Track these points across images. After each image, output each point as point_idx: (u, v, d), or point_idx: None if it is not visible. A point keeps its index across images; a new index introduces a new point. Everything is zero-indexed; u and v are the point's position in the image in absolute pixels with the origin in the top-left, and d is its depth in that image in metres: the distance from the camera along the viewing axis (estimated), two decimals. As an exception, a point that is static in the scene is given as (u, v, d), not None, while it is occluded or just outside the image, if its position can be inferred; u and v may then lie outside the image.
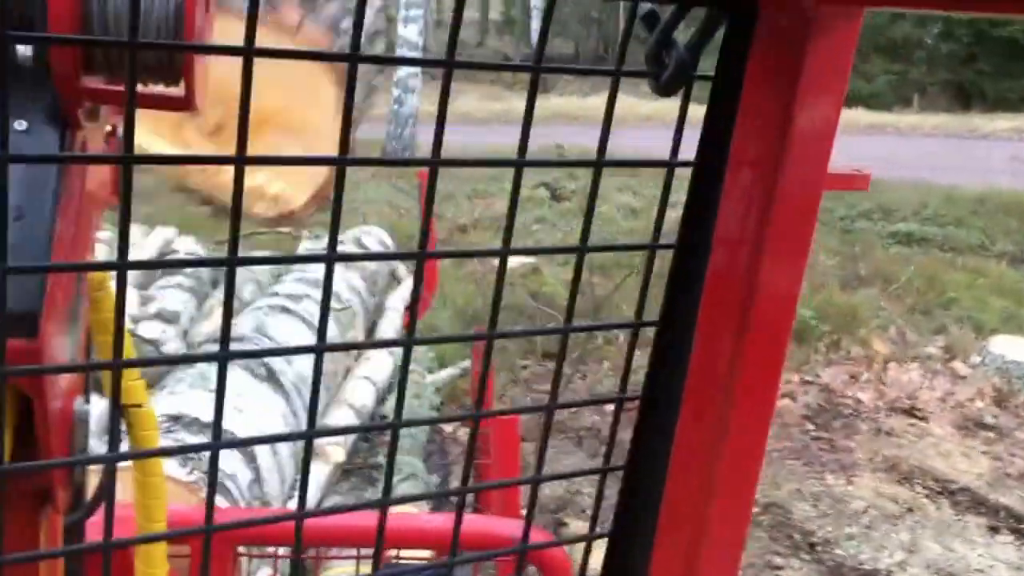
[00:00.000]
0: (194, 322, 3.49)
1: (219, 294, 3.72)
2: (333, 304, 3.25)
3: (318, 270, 3.48)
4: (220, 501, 1.78)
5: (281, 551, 1.70)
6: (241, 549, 1.68)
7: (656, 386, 0.76)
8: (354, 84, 0.58)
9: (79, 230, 0.89)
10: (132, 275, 3.84)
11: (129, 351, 1.12)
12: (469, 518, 1.67)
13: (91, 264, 0.64)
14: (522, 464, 2.34)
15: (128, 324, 2.53)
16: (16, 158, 0.56)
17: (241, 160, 0.51)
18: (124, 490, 1.02)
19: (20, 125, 0.82)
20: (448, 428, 3.46)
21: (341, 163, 0.54)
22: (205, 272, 3.95)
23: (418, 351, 3.62)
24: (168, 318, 3.37)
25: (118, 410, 0.55)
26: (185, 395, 2.22)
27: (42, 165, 0.83)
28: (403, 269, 4.58)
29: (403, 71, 11.69)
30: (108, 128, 0.95)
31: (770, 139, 0.65)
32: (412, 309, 0.66)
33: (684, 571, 0.75)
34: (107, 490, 0.55)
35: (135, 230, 4.75)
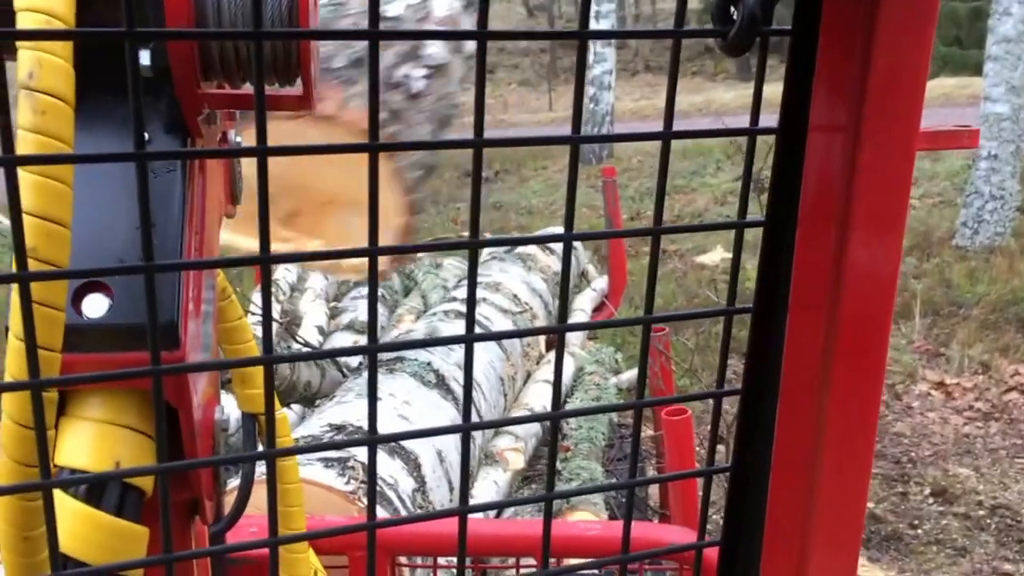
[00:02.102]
0: (384, 331, 3.56)
1: (409, 302, 3.79)
2: (511, 306, 3.26)
3: (497, 273, 3.50)
4: (380, 512, 1.79)
5: (442, 561, 1.68)
6: (403, 560, 1.67)
7: (754, 378, 0.70)
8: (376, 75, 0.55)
9: (204, 239, 0.91)
10: (322, 286, 3.98)
11: (253, 354, 1.14)
12: (622, 524, 1.62)
13: (235, 260, 0.64)
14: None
15: (314, 337, 2.59)
16: (154, 155, 0.56)
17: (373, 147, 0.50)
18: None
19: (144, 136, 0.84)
20: (629, 429, 3.41)
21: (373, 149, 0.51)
22: (396, 281, 4.04)
23: (603, 352, 3.57)
24: (360, 329, 3.45)
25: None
26: (352, 404, 2.23)
27: (168, 175, 0.85)
28: (593, 270, 4.54)
29: (598, 68, 11.66)
30: (218, 136, 0.97)
31: (849, 99, 0.58)
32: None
33: (796, 576, 0.69)
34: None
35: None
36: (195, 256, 0.87)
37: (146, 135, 0.85)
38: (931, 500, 4.48)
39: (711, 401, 0.71)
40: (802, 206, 0.63)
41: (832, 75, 0.59)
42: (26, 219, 0.44)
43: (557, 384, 0.65)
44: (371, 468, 0.58)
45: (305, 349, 3.08)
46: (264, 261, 0.54)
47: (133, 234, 0.80)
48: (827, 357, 0.63)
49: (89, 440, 0.77)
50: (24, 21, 0.66)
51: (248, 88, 0.90)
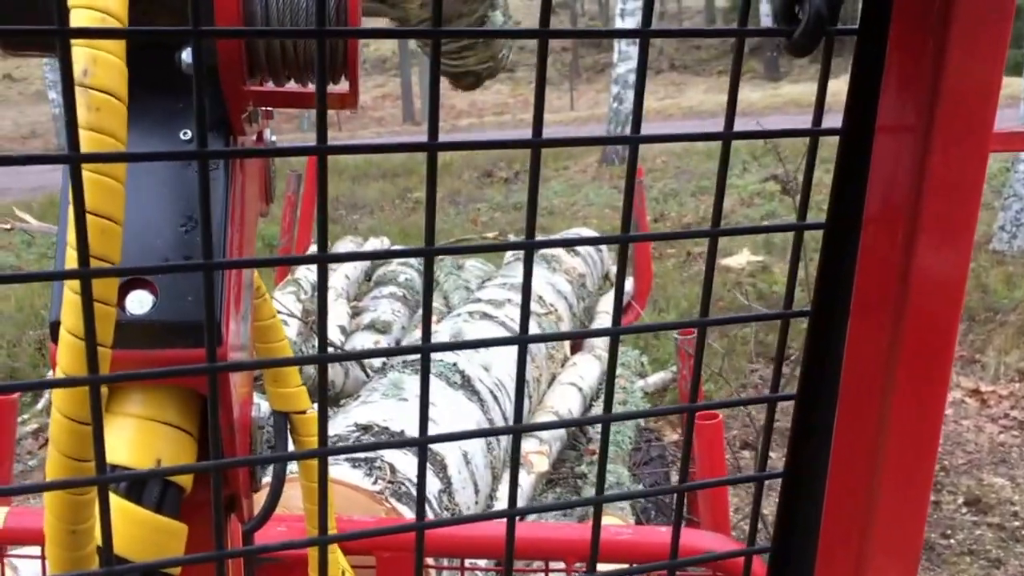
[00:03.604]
0: (406, 332, 3.56)
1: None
2: (536, 308, 3.25)
3: (520, 275, 3.48)
4: (404, 511, 1.77)
5: (470, 563, 1.67)
6: (429, 561, 1.65)
7: (810, 384, 0.68)
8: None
9: (244, 238, 0.90)
10: (343, 286, 3.98)
11: (286, 353, 1.13)
12: (652, 530, 1.61)
13: (292, 258, 0.64)
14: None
15: (336, 337, 2.58)
16: (216, 153, 0.55)
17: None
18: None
19: (185, 135, 0.84)
20: (654, 433, 3.39)
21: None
22: (416, 282, 4.04)
23: (629, 355, 3.56)
24: (381, 328, 3.46)
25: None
26: (377, 404, 2.22)
27: (211, 173, 0.85)
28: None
29: (623, 67, 11.53)
30: (254, 136, 0.96)
31: (920, 99, 0.57)
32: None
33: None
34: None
35: (349, 243, 4.92)
36: (236, 253, 0.87)
37: (188, 132, 0.86)
38: (964, 510, 4.43)
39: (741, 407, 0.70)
40: (867, 208, 0.62)
41: (901, 75, 0.58)
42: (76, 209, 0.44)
43: (610, 389, 0.64)
44: (421, 470, 0.58)
45: (345, 350, 3.08)
46: (321, 260, 0.53)
47: (177, 231, 0.81)
48: (891, 363, 0.62)
49: (131, 436, 0.78)
50: (78, 17, 0.66)
51: (292, 85, 0.90)
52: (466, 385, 2.41)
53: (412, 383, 2.34)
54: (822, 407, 0.68)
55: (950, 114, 0.56)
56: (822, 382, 0.67)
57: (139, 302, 0.78)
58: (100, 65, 0.64)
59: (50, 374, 0.75)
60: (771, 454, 0.70)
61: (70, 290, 0.63)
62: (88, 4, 0.66)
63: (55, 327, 0.71)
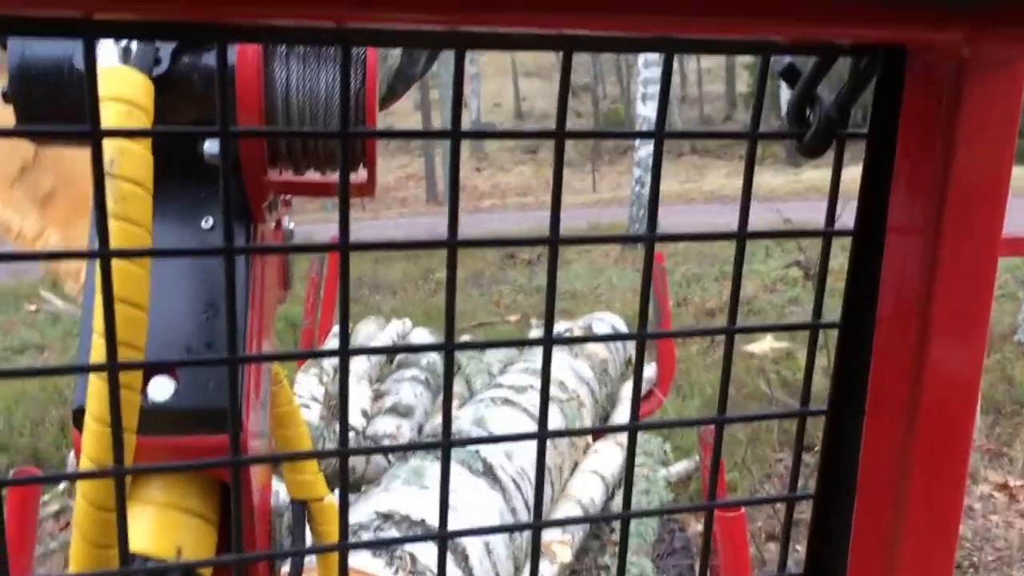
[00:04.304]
0: (428, 416, 3.55)
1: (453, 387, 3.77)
2: (559, 394, 3.24)
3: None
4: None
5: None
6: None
7: (828, 481, 0.69)
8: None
9: (263, 324, 0.92)
10: (365, 368, 3.98)
11: (305, 441, 1.14)
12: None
13: (318, 352, 0.65)
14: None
15: (358, 420, 2.58)
16: (242, 249, 0.57)
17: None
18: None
19: (206, 223, 0.87)
20: (678, 523, 3.34)
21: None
22: (438, 364, 4.04)
23: (652, 444, 3.53)
24: (403, 412, 3.45)
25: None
26: (398, 492, 2.21)
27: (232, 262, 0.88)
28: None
29: (644, 151, 11.62)
30: (273, 224, 0.99)
31: (928, 201, 0.58)
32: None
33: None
34: None
35: (372, 324, 4.94)
36: (256, 339, 0.88)
37: (210, 220, 0.88)
38: (994, 608, 4.31)
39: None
40: (880, 306, 0.62)
41: (911, 176, 0.59)
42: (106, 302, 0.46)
43: (628, 484, 0.64)
44: (441, 564, 0.58)
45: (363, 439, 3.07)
46: (343, 354, 0.54)
47: (199, 317, 0.82)
48: (906, 461, 0.62)
49: (152, 525, 0.78)
50: (106, 110, 0.69)
51: (311, 174, 0.93)
52: (488, 472, 2.39)
53: (432, 471, 2.33)
54: (840, 505, 0.67)
55: (959, 214, 0.57)
56: (839, 480, 0.67)
57: (161, 389, 0.79)
58: (126, 156, 0.66)
59: (71, 456, 0.77)
60: (797, 547, 0.70)
61: (96, 377, 0.65)
62: (116, 96, 0.69)
63: (79, 414, 0.72)
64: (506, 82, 31.67)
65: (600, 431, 0.72)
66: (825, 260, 0.66)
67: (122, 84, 0.70)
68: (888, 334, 0.62)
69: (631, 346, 4.47)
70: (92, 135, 0.44)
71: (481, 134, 0.56)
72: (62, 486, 3.57)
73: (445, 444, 0.57)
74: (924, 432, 0.61)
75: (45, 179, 1.58)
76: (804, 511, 0.72)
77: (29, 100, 0.78)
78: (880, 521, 0.64)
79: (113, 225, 0.65)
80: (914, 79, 0.57)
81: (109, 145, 0.67)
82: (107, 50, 0.72)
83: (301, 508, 1.09)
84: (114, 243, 0.64)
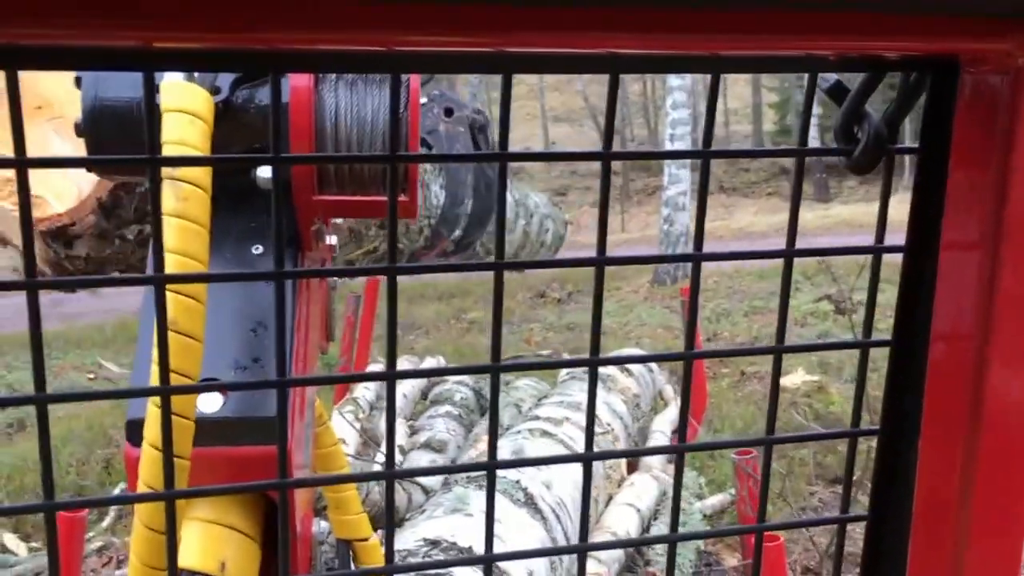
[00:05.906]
0: (461, 451, 3.55)
1: (485, 422, 3.77)
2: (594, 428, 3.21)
3: (577, 393, 3.47)
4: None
5: None
6: None
7: (881, 504, 0.67)
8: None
9: (307, 350, 0.93)
10: (400, 405, 3.99)
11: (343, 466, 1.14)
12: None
13: (365, 375, 0.66)
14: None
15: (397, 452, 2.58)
16: (293, 273, 0.57)
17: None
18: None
19: (257, 249, 0.89)
20: (714, 556, 3.30)
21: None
22: (472, 400, 4.05)
23: (687, 477, 3.50)
24: (437, 447, 3.45)
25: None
26: (442, 520, 2.22)
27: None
28: (671, 390, 4.48)
29: (673, 190, 11.63)
30: (320, 260, 1.00)
31: (985, 218, 0.56)
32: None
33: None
34: None
35: (406, 362, 4.95)
36: (300, 361, 0.90)
37: (260, 248, 0.90)
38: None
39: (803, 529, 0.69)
40: (935, 324, 0.61)
41: (965, 190, 0.58)
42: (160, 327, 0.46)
43: (676, 506, 0.64)
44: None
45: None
46: (390, 377, 0.54)
47: (247, 334, 0.84)
48: (967, 484, 0.60)
49: (198, 541, 0.80)
50: (169, 120, 0.72)
51: (356, 196, 0.95)
52: (529, 503, 2.40)
53: (476, 499, 2.34)
54: (894, 528, 0.66)
55: (1018, 231, 0.56)
56: (893, 502, 0.66)
57: (210, 401, 0.81)
58: (191, 199, 0.69)
59: (122, 484, 0.79)
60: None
61: (153, 405, 0.66)
62: (179, 140, 0.71)
63: (132, 425, 0.74)
64: (534, 127, 31.86)
65: (648, 452, 0.72)
66: (875, 277, 0.65)
67: (185, 96, 0.73)
68: (944, 352, 0.61)
69: (661, 381, 4.45)
70: (150, 163, 0.44)
71: (531, 155, 0.56)
72: (106, 522, 3.60)
73: (491, 465, 0.57)
74: (986, 453, 0.59)
75: None
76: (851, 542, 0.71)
77: (99, 136, 0.84)
78: (940, 544, 0.62)
79: (173, 259, 0.68)
80: (965, 92, 0.57)
81: (171, 187, 0.70)
82: (170, 72, 0.76)
83: (346, 547, 1.10)
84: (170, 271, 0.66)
